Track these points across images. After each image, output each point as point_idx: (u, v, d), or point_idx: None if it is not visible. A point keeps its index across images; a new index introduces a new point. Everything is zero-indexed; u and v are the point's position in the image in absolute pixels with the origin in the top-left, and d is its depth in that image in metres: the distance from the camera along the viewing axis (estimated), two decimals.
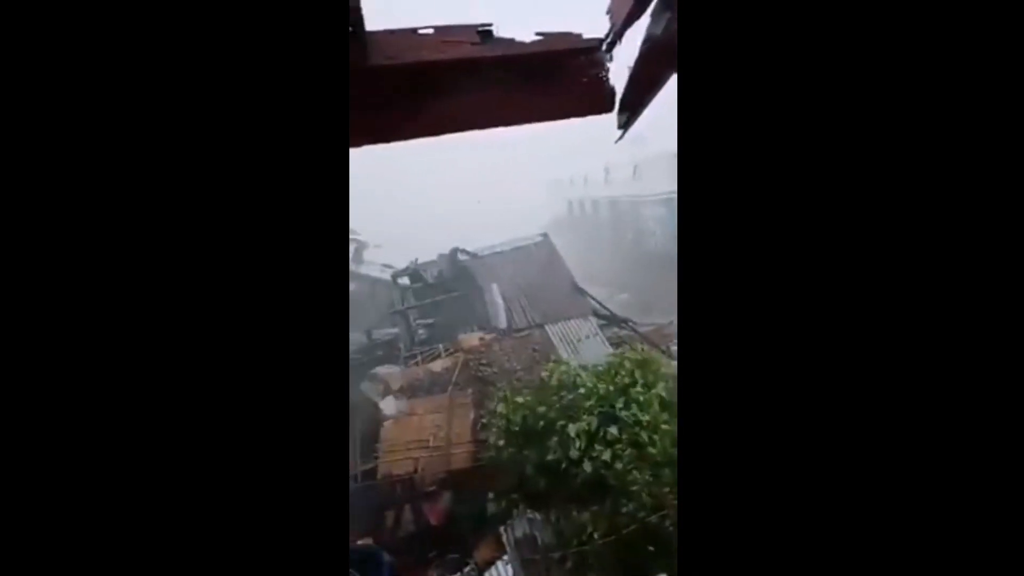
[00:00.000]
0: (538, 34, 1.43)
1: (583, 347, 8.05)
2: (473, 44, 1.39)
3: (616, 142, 1.73)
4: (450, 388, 7.31)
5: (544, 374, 5.93)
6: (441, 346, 8.57)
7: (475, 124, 1.53)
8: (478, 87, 1.44)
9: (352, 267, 14.60)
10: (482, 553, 5.71)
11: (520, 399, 5.62)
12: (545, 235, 11.31)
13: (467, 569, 5.67)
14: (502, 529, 5.39)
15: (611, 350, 7.94)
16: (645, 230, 18.07)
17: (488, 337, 8.44)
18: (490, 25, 1.39)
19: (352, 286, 13.72)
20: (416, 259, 11.77)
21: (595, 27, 1.44)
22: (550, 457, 4.94)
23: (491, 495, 5.40)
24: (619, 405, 4.98)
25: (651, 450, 4.61)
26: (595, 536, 4.51)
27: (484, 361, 7.72)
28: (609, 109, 1.57)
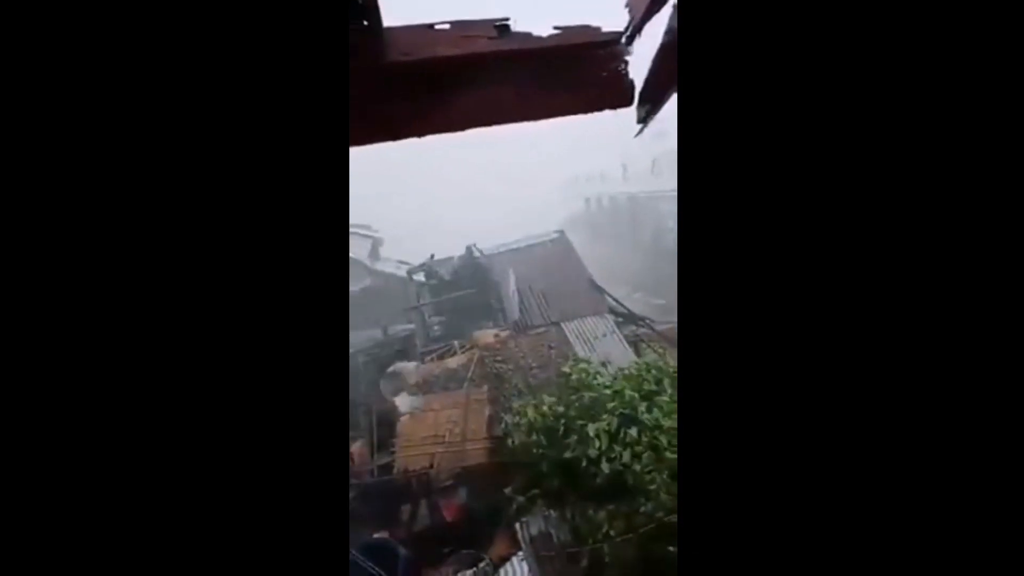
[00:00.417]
0: (556, 28, 1.41)
1: (600, 345, 8.00)
2: (490, 39, 1.37)
3: (635, 136, 1.69)
4: (465, 384, 7.34)
5: (565, 369, 5.91)
6: (456, 343, 8.60)
7: (493, 120, 1.52)
8: (496, 82, 1.43)
9: (368, 263, 14.75)
10: (497, 549, 5.73)
11: (538, 397, 5.61)
12: (561, 232, 11.25)
13: (482, 564, 5.70)
14: (517, 526, 5.40)
15: (628, 348, 7.88)
16: (663, 227, 17.84)
17: (503, 334, 8.44)
18: (507, 20, 1.37)
19: (368, 282, 13.87)
20: (432, 256, 11.83)
21: (614, 20, 1.42)
22: (568, 455, 4.93)
23: (507, 491, 5.41)
24: (641, 409, 4.95)
25: (669, 454, 4.57)
26: (611, 534, 4.49)
27: (499, 358, 7.73)
28: (629, 103, 1.54)
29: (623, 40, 1.45)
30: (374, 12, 1.23)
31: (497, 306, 9.58)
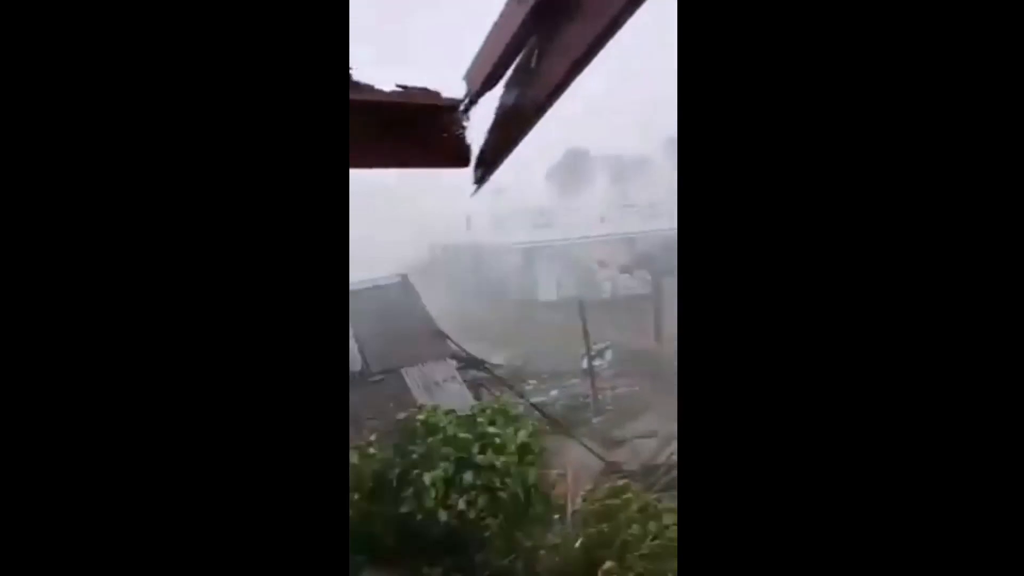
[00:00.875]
0: (399, 86, 1.47)
1: (440, 391, 7.95)
2: None
3: (471, 195, 1.82)
4: None
5: (400, 417, 5.65)
6: None
7: None
8: None
9: None
10: None
11: (372, 451, 5.26)
12: (404, 276, 11.13)
13: None
14: None
15: (468, 392, 7.97)
16: (506, 279, 18.88)
17: None
18: (351, 69, 1.39)
19: None
20: None
21: (452, 86, 1.54)
22: (404, 510, 4.66)
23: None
24: (475, 450, 4.97)
25: (502, 495, 4.65)
26: None
27: None
28: (466, 164, 1.66)
29: (461, 108, 1.58)
30: None
31: None
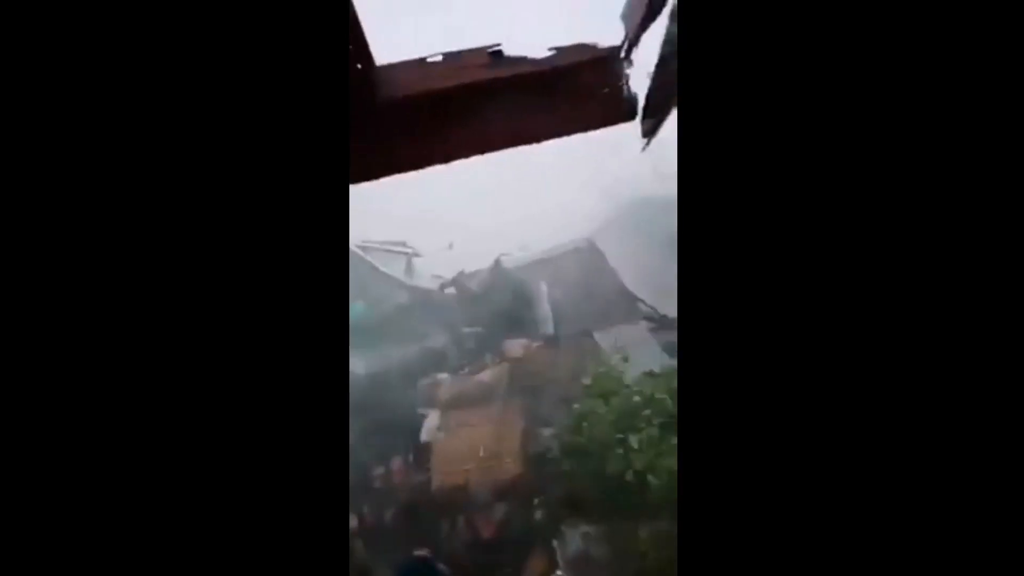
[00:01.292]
0: (551, 49, 1.38)
1: (635, 353, 7.81)
2: (484, 67, 1.36)
3: (642, 150, 1.64)
4: (498, 399, 7.31)
5: (586, 382, 5.77)
6: (488, 356, 8.60)
7: (495, 146, 1.50)
8: (493, 109, 1.41)
9: (404, 279, 15.03)
10: (534, 565, 5.64)
11: (571, 409, 5.52)
12: (590, 239, 11.11)
13: None
14: (555, 544, 5.30)
15: (665, 355, 7.65)
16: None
17: (534, 346, 8.38)
18: (499, 45, 1.35)
19: (403, 297, 14.11)
20: (463, 270, 11.93)
21: (610, 35, 1.38)
22: (610, 469, 4.78)
23: (543, 509, 5.32)
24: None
25: None
26: (651, 554, 4.33)
27: (531, 370, 7.66)
28: (631, 118, 1.50)
29: (621, 55, 1.41)
30: (365, 54, 1.24)
31: (528, 317, 9.53)
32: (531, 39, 1.38)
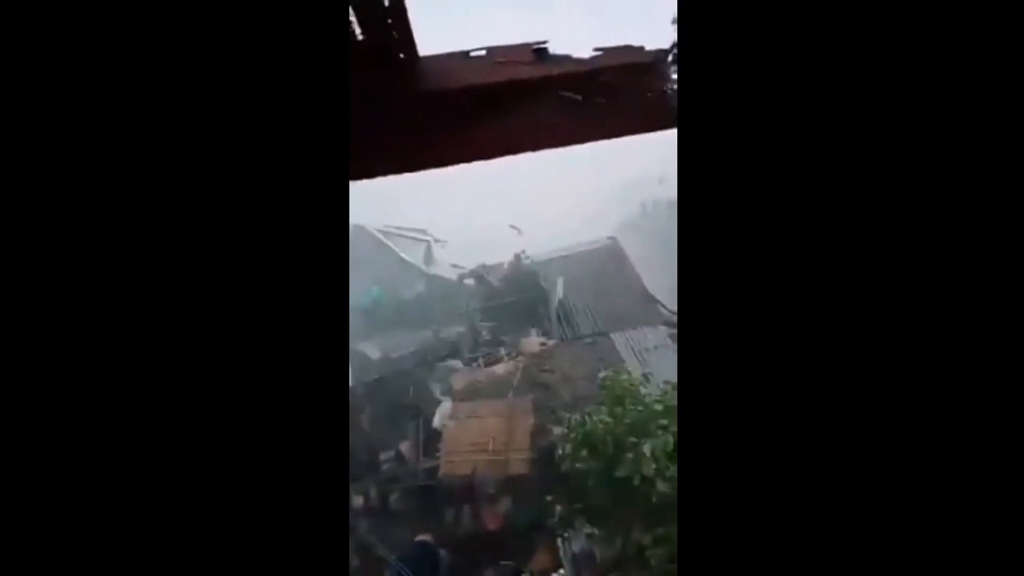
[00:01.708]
0: (597, 49, 1.35)
1: (652, 357, 7.73)
2: (528, 64, 1.33)
3: None
4: (511, 393, 7.32)
5: (602, 383, 5.73)
6: (503, 350, 8.61)
7: (532, 145, 1.48)
8: (534, 108, 1.39)
9: (423, 267, 15.12)
10: (537, 563, 5.66)
11: (585, 409, 5.49)
12: (613, 238, 11.00)
13: None
14: (559, 541, 5.30)
15: None
16: None
17: (550, 343, 8.36)
18: (545, 43, 1.33)
19: (421, 285, 14.21)
20: (483, 263, 11.93)
21: (659, 38, 1.33)
22: (620, 473, 4.76)
23: (550, 506, 5.32)
24: None
25: None
26: (652, 562, 4.30)
27: (546, 367, 7.65)
28: (674, 124, 1.45)
29: (668, 59, 1.36)
30: (409, 45, 1.22)
31: (545, 313, 9.50)
32: (577, 38, 1.34)
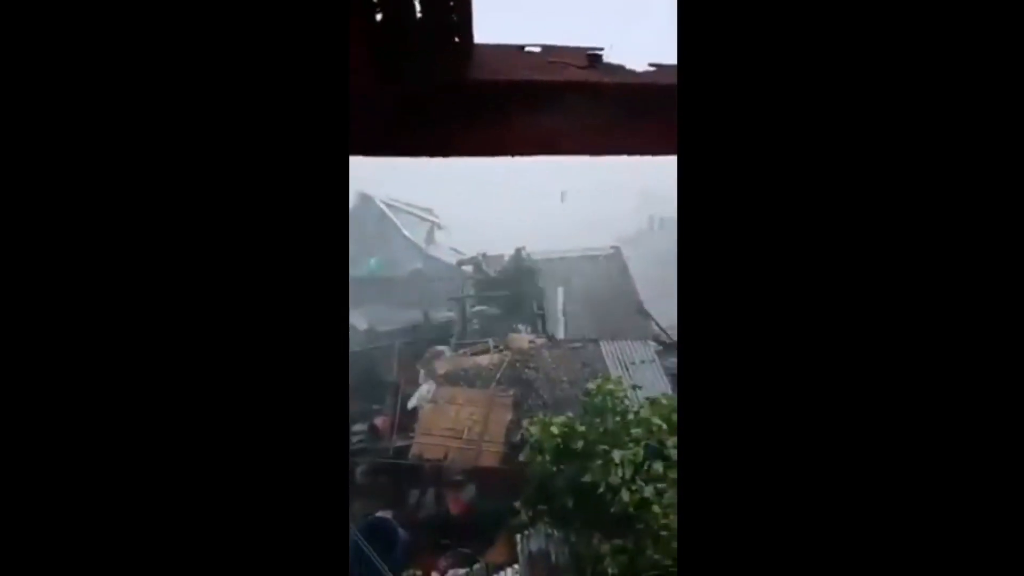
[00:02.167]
0: (651, 65, 1.34)
1: (636, 371, 7.78)
2: (580, 68, 1.32)
3: None
4: (492, 385, 7.35)
5: (591, 387, 5.77)
6: (491, 341, 8.63)
7: (570, 149, 1.47)
8: (581, 112, 1.37)
9: (423, 246, 15.08)
10: (494, 555, 5.71)
11: (562, 412, 5.53)
12: (616, 248, 11.02)
13: (476, 567, 5.70)
14: (518, 537, 5.35)
15: (665, 380, 7.61)
16: None
17: (539, 341, 8.38)
18: (601, 49, 1.31)
19: (419, 265, 14.18)
20: (484, 252, 11.91)
21: None
22: (587, 479, 4.81)
23: (514, 501, 5.37)
24: (669, 443, 4.77)
25: None
26: (610, 571, 4.36)
27: (531, 365, 7.68)
28: None
29: None
30: (466, 29, 1.21)
31: (538, 312, 9.52)
32: (634, 51, 1.33)
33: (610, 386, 5.52)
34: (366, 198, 14.10)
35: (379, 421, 7.68)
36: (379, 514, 6.36)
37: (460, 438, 6.64)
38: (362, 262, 12.68)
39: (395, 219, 15.00)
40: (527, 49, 1.33)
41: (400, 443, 7.15)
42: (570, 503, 4.97)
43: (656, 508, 4.47)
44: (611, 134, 1.43)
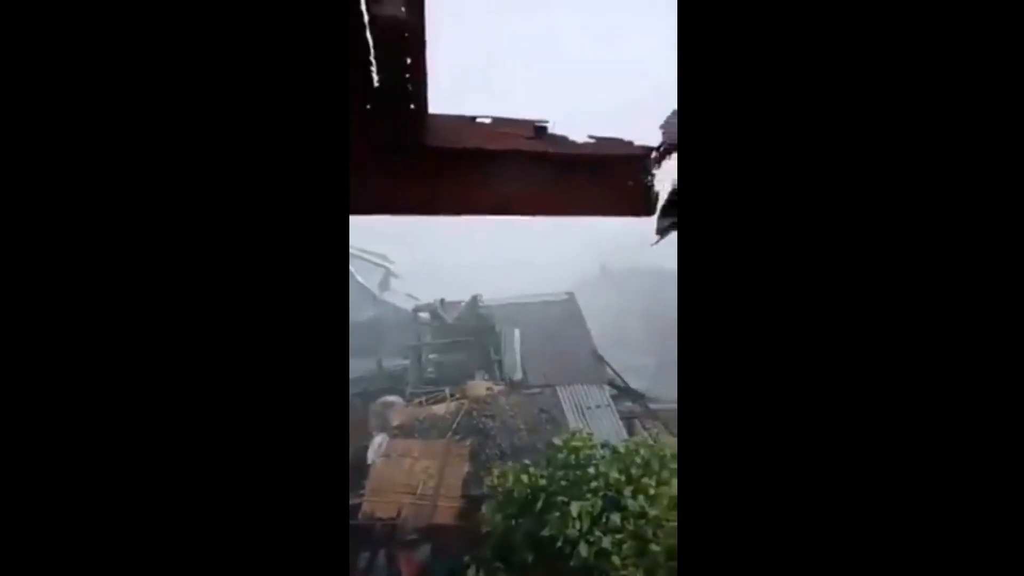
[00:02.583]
0: (591, 137, 1.48)
1: (592, 416, 7.82)
2: (528, 138, 1.44)
3: (652, 245, 1.73)
4: (448, 435, 7.15)
5: (557, 442, 5.70)
6: (447, 390, 8.47)
7: (520, 210, 1.57)
8: (526, 177, 1.49)
9: (376, 292, 14.82)
10: None
11: (521, 464, 5.44)
12: (571, 294, 11.30)
13: None
14: None
15: (620, 424, 7.68)
16: (671, 299, 17.66)
17: (496, 389, 8.31)
18: (547, 122, 1.44)
19: (372, 312, 13.89)
20: (442, 299, 11.87)
21: (647, 136, 1.48)
22: (545, 533, 4.70)
23: (471, 560, 5.13)
24: (627, 493, 4.76)
25: (654, 547, 4.35)
26: None
27: (488, 413, 7.56)
28: (650, 213, 1.59)
29: (653, 156, 1.51)
30: (421, 98, 1.31)
31: (495, 359, 9.49)
32: (575, 126, 1.47)
33: (576, 443, 5.48)
34: None
35: None
36: None
37: (414, 493, 6.34)
38: None
39: (348, 264, 14.75)
40: (478, 120, 1.44)
41: (351, 501, 6.74)
42: (528, 559, 4.81)
43: (615, 559, 4.40)
44: (556, 198, 1.55)
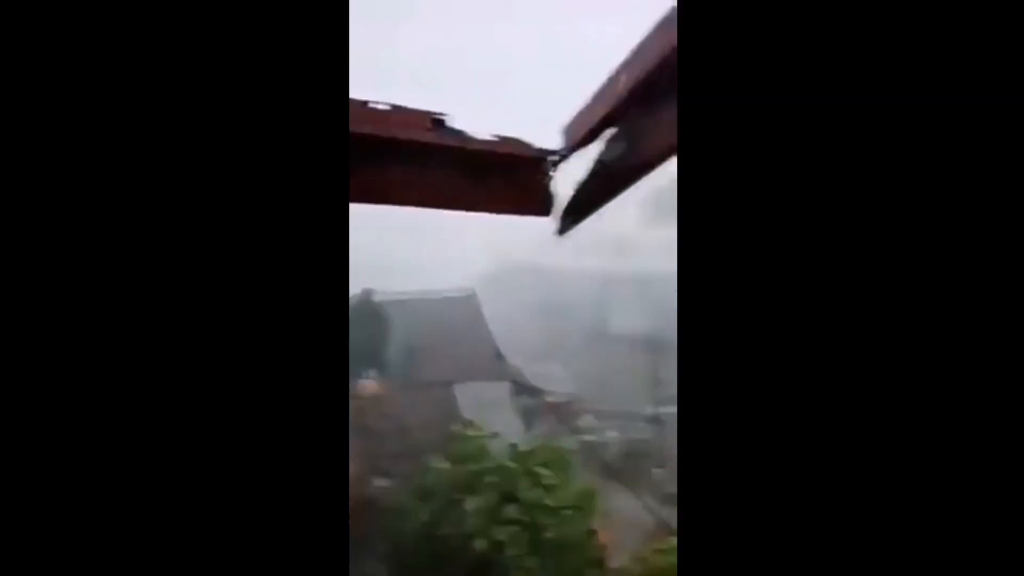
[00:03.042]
0: (494, 135, 1.46)
1: (490, 412, 7.90)
2: (426, 129, 1.38)
3: (555, 235, 1.77)
4: None
5: (453, 438, 5.65)
6: None
7: (414, 202, 1.50)
8: (422, 170, 1.42)
9: None
10: None
11: (416, 463, 5.32)
12: (472, 291, 11.29)
13: None
14: None
15: (519, 420, 7.87)
16: (575, 303, 18.61)
17: (389, 387, 8.04)
18: (445, 115, 1.39)
19: None
20: None
21: (547, 139, 1.50)
22: (442, 530, 4.64)
23: (364, 562, 4.91)
24: (523, 485, 4.87)
25: (548, 534, 4.50)
26: None
27: (380, 412, 7.29)
28: (547, 214, 1.62)
29: (552, 159, 1.54)
30: None
31: (388, 357, 9.17)
32: (476, 120, 1.44)
33: (472, 435, 5.49)
34: None
35: None
36: None
37: None
38: None
39: None
40: (372, 105, 1.35)
41: None
42: (425, 556, 4.74)
43: (512, 551, 4.49)
44: (449, 192, 1.50)
